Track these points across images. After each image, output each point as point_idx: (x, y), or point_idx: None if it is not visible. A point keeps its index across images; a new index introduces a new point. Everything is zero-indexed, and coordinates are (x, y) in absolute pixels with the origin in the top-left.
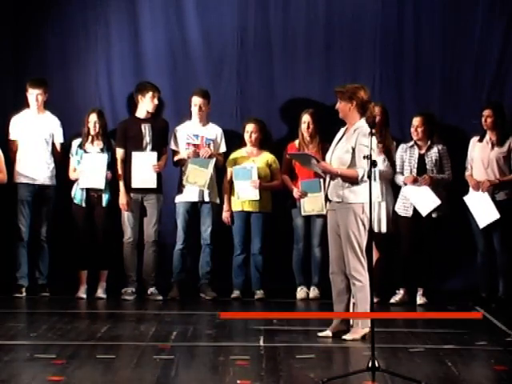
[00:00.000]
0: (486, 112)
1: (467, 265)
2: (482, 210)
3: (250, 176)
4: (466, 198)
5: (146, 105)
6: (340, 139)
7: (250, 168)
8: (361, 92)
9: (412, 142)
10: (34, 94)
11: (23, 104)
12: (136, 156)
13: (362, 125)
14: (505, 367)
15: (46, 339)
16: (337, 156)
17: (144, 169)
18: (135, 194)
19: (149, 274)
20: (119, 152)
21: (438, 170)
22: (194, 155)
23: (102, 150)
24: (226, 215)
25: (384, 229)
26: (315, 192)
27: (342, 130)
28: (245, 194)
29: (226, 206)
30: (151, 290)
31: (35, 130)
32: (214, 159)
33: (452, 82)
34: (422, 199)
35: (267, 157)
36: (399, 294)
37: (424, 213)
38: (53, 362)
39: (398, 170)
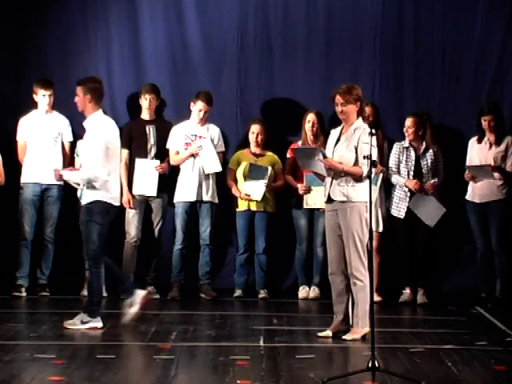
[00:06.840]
0: (488, 117)
1: (467, 265)
2: (428, 210)
3: (263, 176)
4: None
5: (142, 104)
6: (338, 140)
7: (265, 169)
8: (360, 92)
9: (407, 143)
10: (46, 96)
11: (23, 103)
12: (139, 163)
13: (360, 124)
14: (505, 367)
15: (46, 339)
16: (339, 155)
17: (147, 176)
18: (140, 194)
19: (148, 273)
20: (124, 152)
21: (432, 173)
22: (197, 152)
23: None
24: (243, 196)
25: (381, 228)
26: (320, 185)
27: (336, 131)
28: (250, 192)
29: (235, 190)
30: (149, 288)
31: (44, 130)
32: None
33: (452, 82)
34: (427, 210)
35: (271, 157)
36: (406, 294)
37: (432, 224)
38: (53, 362)
39: (393, 169)
